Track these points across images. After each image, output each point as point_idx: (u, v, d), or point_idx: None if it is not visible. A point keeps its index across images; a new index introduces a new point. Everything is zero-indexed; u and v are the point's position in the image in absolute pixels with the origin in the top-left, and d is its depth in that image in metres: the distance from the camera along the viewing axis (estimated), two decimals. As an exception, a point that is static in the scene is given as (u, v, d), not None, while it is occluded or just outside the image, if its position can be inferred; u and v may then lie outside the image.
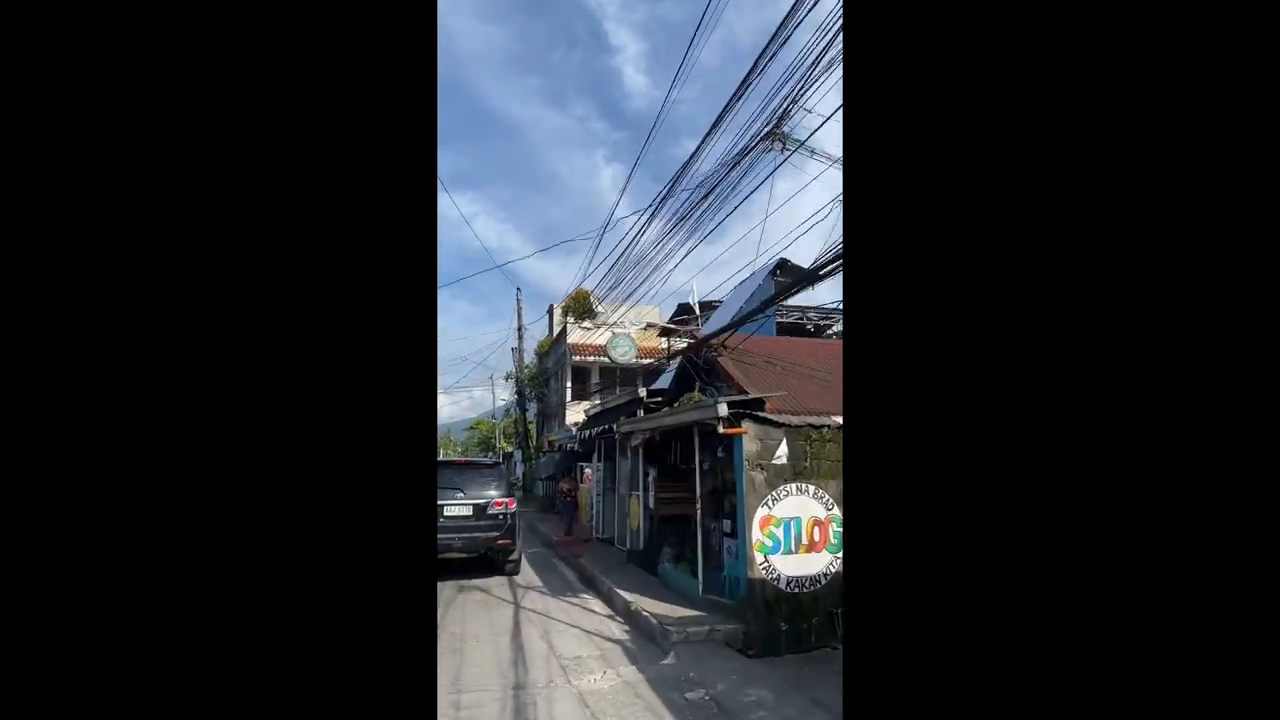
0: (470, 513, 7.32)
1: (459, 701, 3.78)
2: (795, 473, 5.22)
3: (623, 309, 11.93)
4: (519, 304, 21.05)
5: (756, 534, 5.12)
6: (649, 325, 11.50)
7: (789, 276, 8.62)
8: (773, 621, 4.89)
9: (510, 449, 30.44)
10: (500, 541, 7.39)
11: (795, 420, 5.38)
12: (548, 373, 21.14)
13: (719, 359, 6.66)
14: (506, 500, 7.53)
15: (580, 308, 16.57)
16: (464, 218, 12.28)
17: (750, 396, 5.46)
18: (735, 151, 5.76)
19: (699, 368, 6.94)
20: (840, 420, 5.39)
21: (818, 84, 4.75)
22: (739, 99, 5.49)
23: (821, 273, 5.20)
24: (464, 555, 7.35)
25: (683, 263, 30.16)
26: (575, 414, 16.53)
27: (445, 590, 6.82)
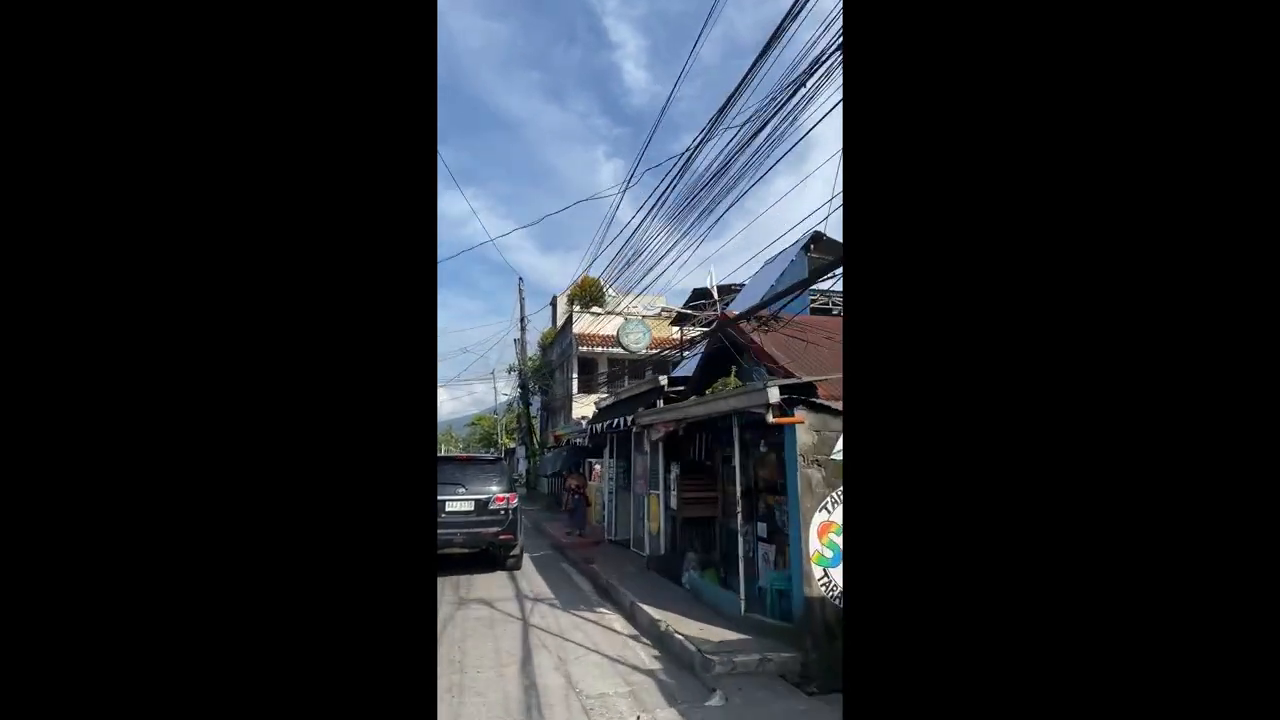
0: (472, 508, 7.32)
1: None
2: (859, 470, 4.37)
3: (631, 297, 11.06)
4: (521, 294, 20.32)
5: (814, 543, 4.28)
6: (664, 310, 10.64)
7: (825, 253, 7.76)
8: (835, 649, 4.06)
9: (513, 445, 29.73)
10: (502, 537, 7.36)
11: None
12: (552, 365, 20.28)
13: (756, 339, 5.80)
14: (508, 496, 7.51)
15: (588, 295, 15.76)
16: (473, 210, 11.49)
17: (804, 380, 4.61)
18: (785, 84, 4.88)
19: (737, 347, 6.07)
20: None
21: None
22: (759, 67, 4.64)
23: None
24: (466, 550, 7.34)
25: (693, 249, 29.23)
26: (582, 407, 15.73)
27: (443, 605, 5.99)
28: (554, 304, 23.15)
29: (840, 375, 4.87)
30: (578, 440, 12.44)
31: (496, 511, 7.42)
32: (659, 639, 4.85)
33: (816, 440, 4.38)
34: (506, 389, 27.58)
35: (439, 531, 7.14)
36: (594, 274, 16.36)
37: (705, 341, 7.88)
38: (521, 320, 20.49)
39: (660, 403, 7.56)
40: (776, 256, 8.98)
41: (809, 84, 4.68)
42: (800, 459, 4.33)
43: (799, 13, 4.48)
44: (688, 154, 6.30)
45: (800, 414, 4.37)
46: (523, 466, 21.80)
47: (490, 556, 7.67)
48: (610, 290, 10.06)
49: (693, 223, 7.67)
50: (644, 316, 11.15)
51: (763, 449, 5.23)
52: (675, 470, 7.11)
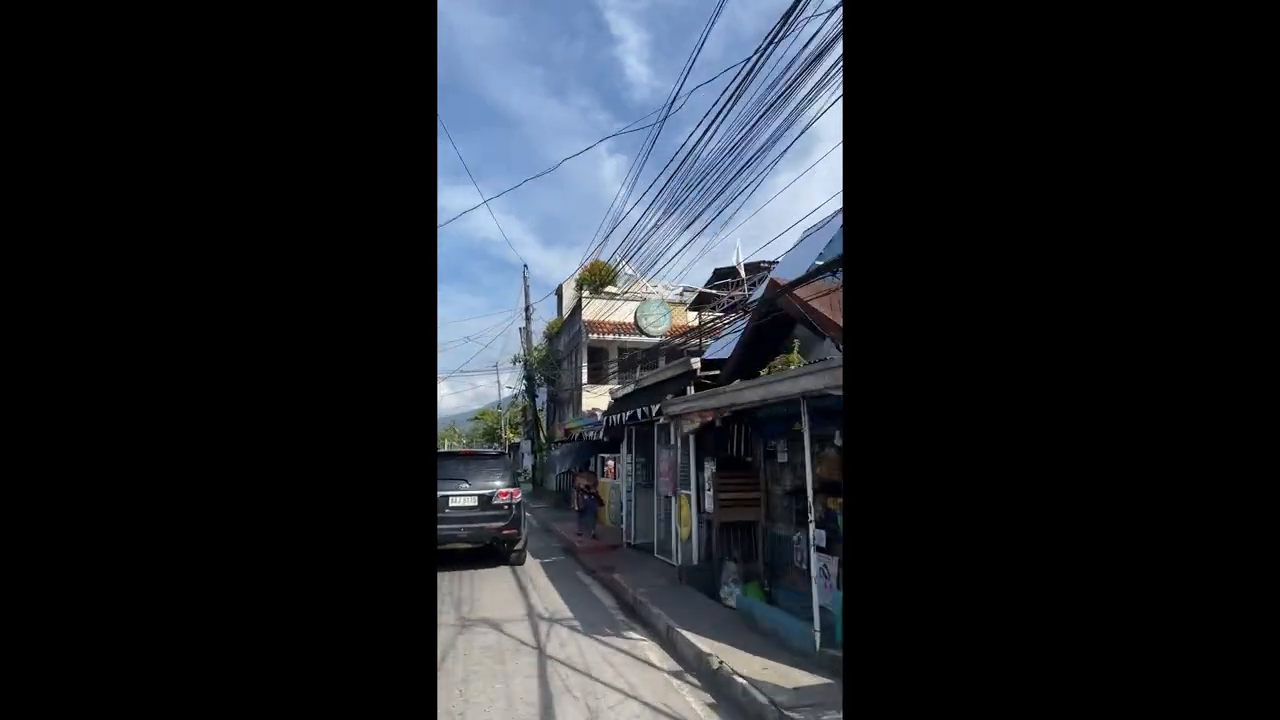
0: (475, 503, 7.29)
1: None
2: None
3: (647, 278, 10.05)
4: (525, 281, 19.39)
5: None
6: (685, 290, 9.63)
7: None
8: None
9: (517, 440, 28.83)
10: (505, 531, 7.32)
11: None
12: (559, 355, 19.28)
13: (821, 307, 4.79)
14: (511, 491, 7.50)
15: (598, 279, 14.75)
16: (486, 204, 10.59)
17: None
18: None
19: (795, 320, 5.06)
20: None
21: None
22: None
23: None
24: (470, 546, 7.34)
25: (708, 231, 27.87)
26: (592, 399, 14.77)
27: (443, 630, 5.03)
28: (559, 293, 22.17)
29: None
30: (590, 434, 11.47)
31: (500, 507, 7.36)
32: (711, 679, 3.88)
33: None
34: (510, 382, 26.69)
35: (442, 527, 7.05)
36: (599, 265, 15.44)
37: (743, 318, 6.90)
38: (526, 309, 19.57)
39: (691, 389, 6.58)
40: (817, 228, 7.97)
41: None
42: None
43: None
44: (700, 137, 5.30)
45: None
46: (528, 462, 20.89)
47: (494, 552, 7.62)
48: (627, 268, 9.05)
49: (706, 206, 6.70)
50: (668, 292, 10.09)
51: (836, 441, 4.25)
52: (710, 467, 6.14)
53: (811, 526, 4.16)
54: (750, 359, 5.66)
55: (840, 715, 3.15)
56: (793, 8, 4.39)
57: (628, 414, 7.86)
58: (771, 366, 4.77)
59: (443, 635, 4.86)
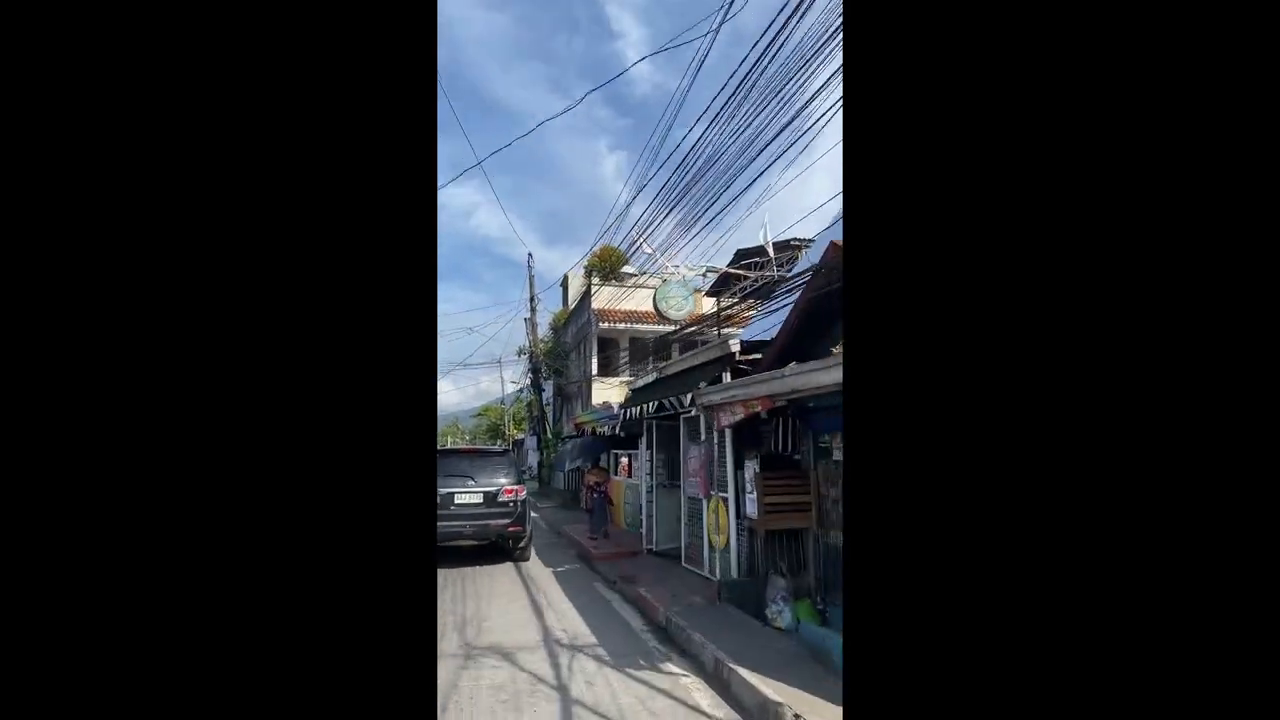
0: (480, 500, 7.30)
1: None
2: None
3: (659, 260, 9.18)
4: (530, 271, 18.55)
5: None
6: (708, 271, 8.77)
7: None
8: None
9: (521, 436, 28.03)
10: (511, 528, 7.34)
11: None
12: (566, 348, 18.43)
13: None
14: (516, 488, 7.51)
15: (608, 265, 13.90)
16: (497, 196, 9.78)
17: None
18: None
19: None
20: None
21: None
22: None
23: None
24: (475, 542, 7.38)
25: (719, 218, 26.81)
26: (602, 391, 13.93)
27: (445, 662, 4.20)
28: (565, 284, 21.33)
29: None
30: (603, 428, 10.63)
31: (505, 503, 7.35)
32: (785, 739, 3.05)
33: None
34: (514, 377, 25.93)
35: (449, 524, 7.07)
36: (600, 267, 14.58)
37: (764, 304, 6.06)
38: (531, 299, 18.75)
39: (727, 376, 5.73)
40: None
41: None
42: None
43: None
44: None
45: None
46: (533, 459, 20.06)
47: (498, 548, 7.67)
48: (647, 247, 8.20)
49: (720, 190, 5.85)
50: (691, 271, 9.21)
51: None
52: (753, 466, 5.30)
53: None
54: (803, 338, 4.82)
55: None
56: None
57: (652, 405, 7.01)
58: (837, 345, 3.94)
59: (444, 670, 4.04)
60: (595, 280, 14.25)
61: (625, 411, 8.30)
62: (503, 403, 35.65)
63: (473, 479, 7.37)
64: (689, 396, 5.87)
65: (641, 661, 4.23)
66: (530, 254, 18.34)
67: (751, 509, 5.30)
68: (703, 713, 3.43)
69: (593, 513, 9.13)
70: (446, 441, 35.44)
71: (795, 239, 8.88)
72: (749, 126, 5.81)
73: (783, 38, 4.72)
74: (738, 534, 5.61)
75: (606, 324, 14.04)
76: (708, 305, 10.74)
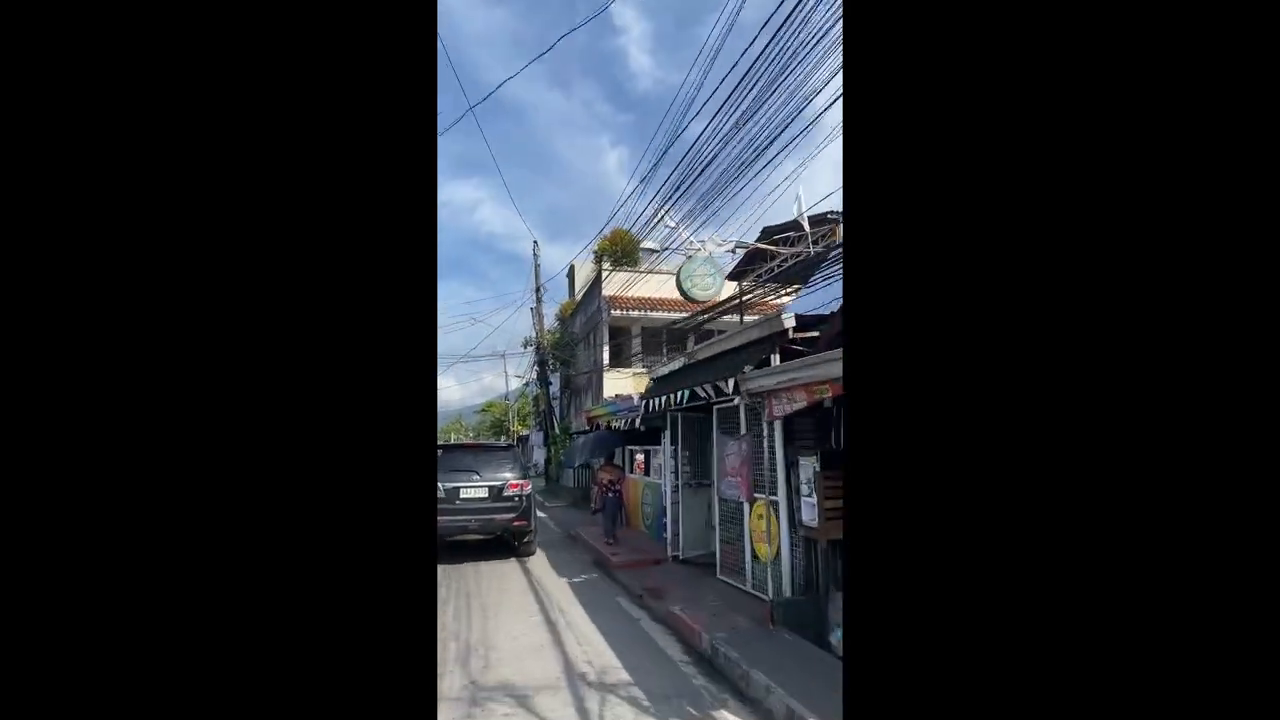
0: (486, 495, 7.29)
1: None
2: None
3: (681, 234, 8.32)
4: (536, 259, 17.72)
5: None
6: (737, 246, 7.89)
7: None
8: None
9: (526, 431, 27.22)
10: (516, 523, 7.34)
11: None
12: (574, 339, 17.58)
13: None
14: (521, 483, 7.50)
15: (619, 250, 13.04)
16: (506, 187, 8.94)
17: None
18: None
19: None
20: None
21: None
22: None
23: None
24: (480, 536, 7.38)
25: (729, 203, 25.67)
26: (614, 383, 13.09)
27: (445, 707, 3.37)
28: (571, 275, 20.49)
29: None
30: (617, 422, 9.79)
31: (511, 498, 7.34)
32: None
33: None
34: (519, 371, 25.13)
35: (454, 518, 7.07)
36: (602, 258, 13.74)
37: (788, 288, 5.22)
38: (537, 289, 17.95)
39: (775, 359, 4.88)
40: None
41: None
42: None
43: None
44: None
45: None
46: (539, 456, 19.24)
47: (502, 543, 7.66)
48: (669, 220, 7.36)
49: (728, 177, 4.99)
50: (716, 248, 8.33)
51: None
52: (812, 465, 4.46)
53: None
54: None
55: None
56: None
57: (682, 395, 6.15)
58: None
59: (444, 718, 3.21)
60: (606, 265, 13.38)
61: (646, 403, 7.46)
62: (506, 398, 34.89)
63: (478, 473, 7.38)
64: (730, 382, 5.02)
65: (690, 709, 3.40)
66: (535, 241, 17.57)
67: (809, 515, 4.47)
68: (784, 790, 2.59)
69: (601, 512, 8.29)
70: (450, 438, 34.75)
71: (831, 212, 8.00)
72: (786, 84, 4.95)
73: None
74: (791, 545, 4.77)
75: (619, 311, 13.19)
76: (728, 290, 9.88)
